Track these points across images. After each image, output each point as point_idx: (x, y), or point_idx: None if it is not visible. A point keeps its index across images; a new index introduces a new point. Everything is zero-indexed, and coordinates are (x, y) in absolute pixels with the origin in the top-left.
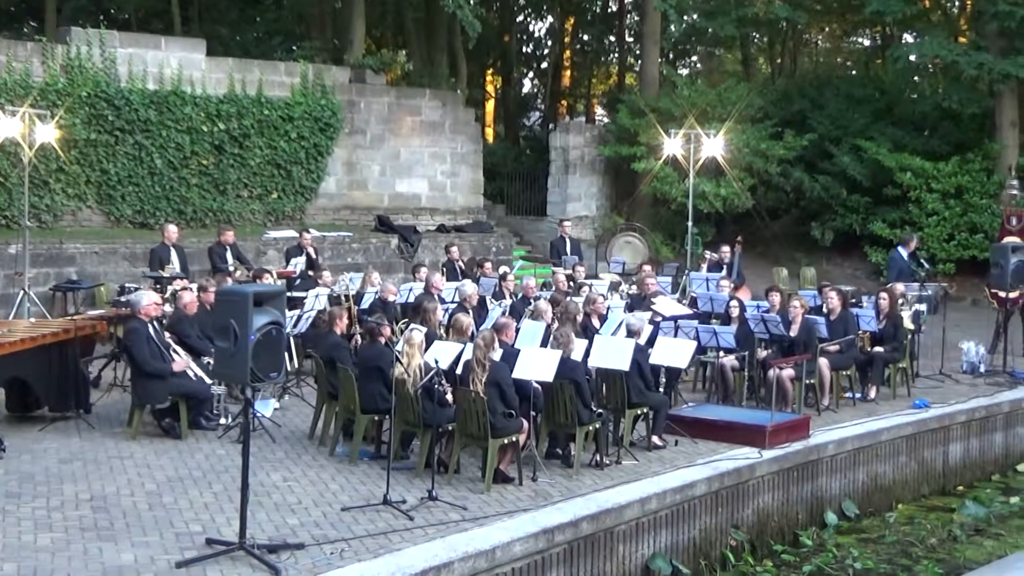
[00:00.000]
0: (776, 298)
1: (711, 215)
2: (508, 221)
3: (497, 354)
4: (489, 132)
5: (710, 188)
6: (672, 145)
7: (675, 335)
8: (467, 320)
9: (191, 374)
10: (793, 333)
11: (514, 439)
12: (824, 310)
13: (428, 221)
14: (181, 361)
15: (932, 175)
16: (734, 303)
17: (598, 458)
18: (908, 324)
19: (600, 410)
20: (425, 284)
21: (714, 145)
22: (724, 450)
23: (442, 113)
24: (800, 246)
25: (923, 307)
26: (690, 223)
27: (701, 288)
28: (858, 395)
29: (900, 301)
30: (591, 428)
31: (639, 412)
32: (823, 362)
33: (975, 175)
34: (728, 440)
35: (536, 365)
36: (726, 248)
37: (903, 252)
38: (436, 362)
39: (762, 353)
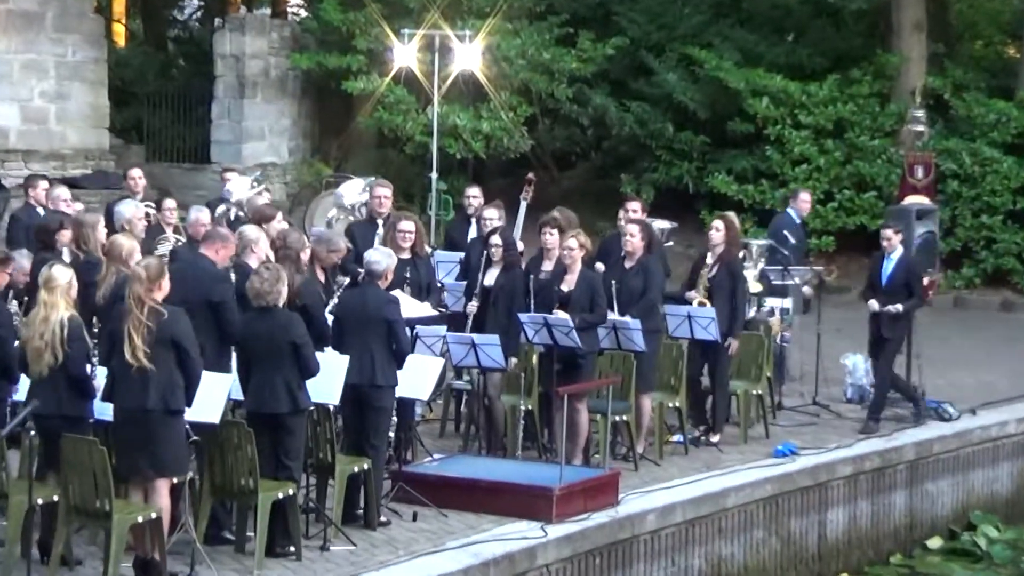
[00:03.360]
0: (551, 237)
1: (467, 162)
2: (151, 171)
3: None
4: (119, 31)
5: (465, 121)
6: (405, 54)
7: (412, 349)
8: (128, 243)
9: None
10: (567, 288)
11: (153, 516)
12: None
13: (19, 171)
14: None
15: (800, 103)
16: (495, 240)
17: (292, 541)
18: (773, 326)
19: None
20: None
21: (470, 54)
22: (489, 526)
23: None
24: (603, 209)
25: (788, 303)
26: (434, 175)
27: (452, 276)
28: (692, 437)
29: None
30: (282, 494)
31: (358, 468)
32: (645, 401)
33: (863, 103)
34: (496, 511)
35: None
36: (474, 192)
37: (794, 215)
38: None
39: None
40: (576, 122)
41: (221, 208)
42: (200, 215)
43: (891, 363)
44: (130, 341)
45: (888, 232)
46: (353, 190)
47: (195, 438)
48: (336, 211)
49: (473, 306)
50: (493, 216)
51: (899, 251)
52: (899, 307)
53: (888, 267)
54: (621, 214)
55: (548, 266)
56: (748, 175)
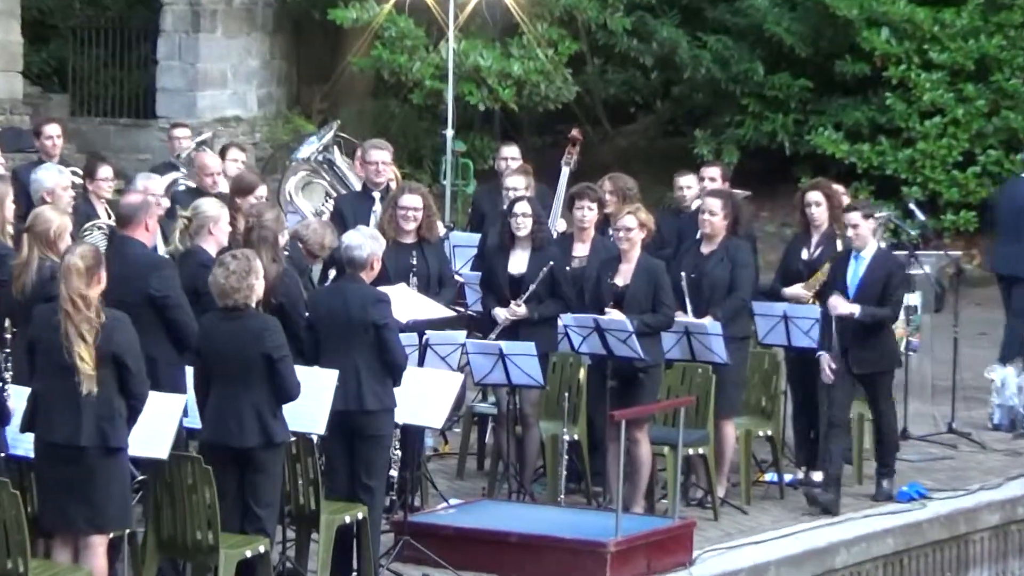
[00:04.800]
0: (590, 213)
1: (492, 115)
2: (77, 128)
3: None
4: None
5: (490, 62)
6: None
7: (421, 361)
8: (58, 219)
9: None
10: (622, 282)
11: None
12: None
13: None
14: None
15: (931, 35)
16: (521, 208)
17: None
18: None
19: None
20: None
21: None
22: None
23: None
24: (671, 176)
25: (915, 299)
26: (449, 132)
27: (472, 264)
28: (790, 477)
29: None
30: (251, 552)
31: (349, 518)
32: (728, 429)
33: (1015, 36)
34: (532, 573)
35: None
36: (511, 153)
37: None
38: None
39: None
40: (636, 62)
41: (170, 177)
42: (149, 184)
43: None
44: (87, 347)
45: (854, 217)
46: (308, 147)
47: (141, 477)
48: (301, 176)
49: (508, 317)
50: (519, 185)
51: (872, 246)
52: (855, 308)
53: (858, 269)
54: (682, 182)
55: (581, 250)
56: (863, 131)
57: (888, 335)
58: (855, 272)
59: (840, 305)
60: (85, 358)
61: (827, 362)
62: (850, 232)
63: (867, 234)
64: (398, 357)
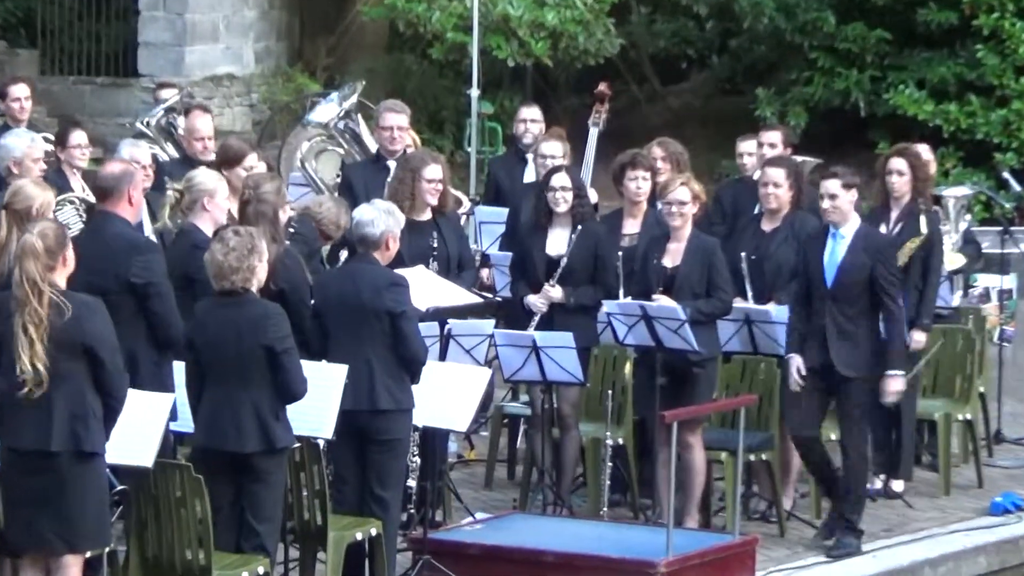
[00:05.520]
0: (645, 184)
1: (523, 72)
2: (50, 89)
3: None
4: None
5: (521, 11)
6: None
7: (443, 355)
8: (42, 195)
9: None
10: (671, 263)
11: None
12: (757, 210)
13: None
14: None
15: None
16: (559, 181)
17: None
18: (989, 316)
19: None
20: None
21: None
22: None
23: None
24: (728, 141)
25: (1010, 282)
26: (474, 92)
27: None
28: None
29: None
30: (248, 573)
31: (361, 534)
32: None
33: None
34: None
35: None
36: (531, 115)
37: None
38: None
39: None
40: (689, 11)
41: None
42: (135, 152)
43: (861, 434)
44: (30, 345)
45: (832, 185)
46: (327, 108)
47: (120, 488)
48: (314, 142)
49: (542, 302)
50: (555, 152)
51: (854, 222)
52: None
53: (836, 250)
54: (744, 148)
55: (632, 227)
56: (949, 88)
57: (876, 331)
58: (832, 253)
59: None
60: (33, 358)
61: (797, 365)
62: (826, 203)
63: (847, 207)
64: (416, 350)
